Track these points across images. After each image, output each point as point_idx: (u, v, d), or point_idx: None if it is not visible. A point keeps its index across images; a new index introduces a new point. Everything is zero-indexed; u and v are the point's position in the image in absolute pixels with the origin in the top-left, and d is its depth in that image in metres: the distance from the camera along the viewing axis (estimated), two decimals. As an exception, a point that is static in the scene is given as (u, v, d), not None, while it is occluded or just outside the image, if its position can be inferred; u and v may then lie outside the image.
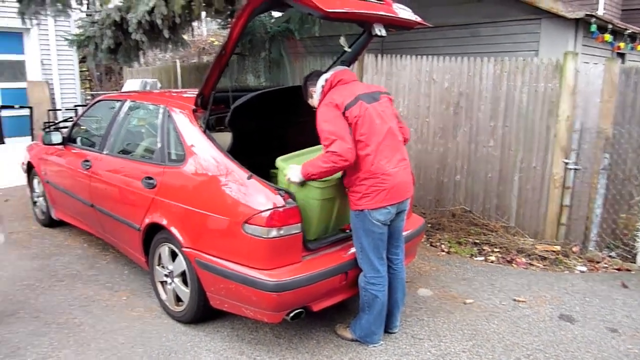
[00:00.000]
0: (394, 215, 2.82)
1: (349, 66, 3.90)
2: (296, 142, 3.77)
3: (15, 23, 9.66)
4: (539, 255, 4.44)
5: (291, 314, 2.78)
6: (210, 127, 3.23)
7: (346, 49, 3.34)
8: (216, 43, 15.60)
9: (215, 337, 3.10)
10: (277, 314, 2.75)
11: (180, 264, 3.12)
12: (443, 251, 4.66)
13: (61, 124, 9.85)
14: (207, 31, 17.26)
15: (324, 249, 2.96)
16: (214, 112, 3.25)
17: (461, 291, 3.79)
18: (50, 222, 5.01)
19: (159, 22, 5.10)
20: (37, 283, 3.83)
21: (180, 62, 12.15)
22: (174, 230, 3.08)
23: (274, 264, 2.70)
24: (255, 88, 3.40)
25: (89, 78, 16.01)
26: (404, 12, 3.10)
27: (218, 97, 3.18)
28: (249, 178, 2.80)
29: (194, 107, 3.32)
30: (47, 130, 5.25)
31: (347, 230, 3.07)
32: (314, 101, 2.99)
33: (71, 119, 10.04)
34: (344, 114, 2.68)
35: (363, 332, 2.96)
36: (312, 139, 3.91)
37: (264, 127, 3.41)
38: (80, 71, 12.45)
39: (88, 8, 8.14)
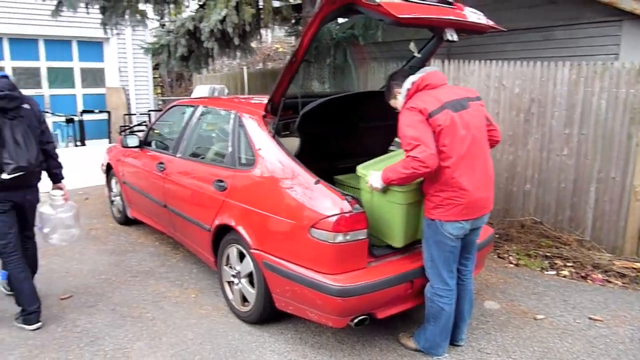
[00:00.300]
0: (468, 231, 2.72)
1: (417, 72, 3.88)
2: (361, 148, 3.79)
3: (97, 33, 10.37)
4: (618, 272, 4.17)
5: (355, 320, 2.78)
6: (278, 133, 3.30)
7: (416, 54, 3.32)
8: (281, 50, 15.93)
9: (279, 338, 3.15)
10: (342, 319, 2.76)
11: (248, 265, 3.20)
12: (511, 263, 4.48)
13: (135, 128, 10.44)
14: (272, 38, 17.67)
15: (389, 256, 2.95)
16: (282, 118, 3.32)
17: (531, 306, 3.64)
18: (126, 221, 5.31)
19: (230, 30, 5.30)
20: (113, 277, 4.07)
21: (246, 68, 12.49)
22: (242, 231, 3.17)
23: (339, 268, 2.72)
24: (323, 94, 3.44)
25: (160, 84, 16.84)
26: (476, 16, 3.03)
27: (286, 103, 3.24)
28: (316, 183, 2.83)
29: (263, 113, 3.41)
30: (126, 133, 5.57)
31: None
32: (397, 102, 2.86)
33: (144, 123, 10.61)
34: (427, 120, 2.56)
35: (428, 343, 2.91)
36: (377, 145, 3.94)
37: (330, 132, 3.45)
38: (153, 78, 13.10)
39: (162, 18, 8.57)
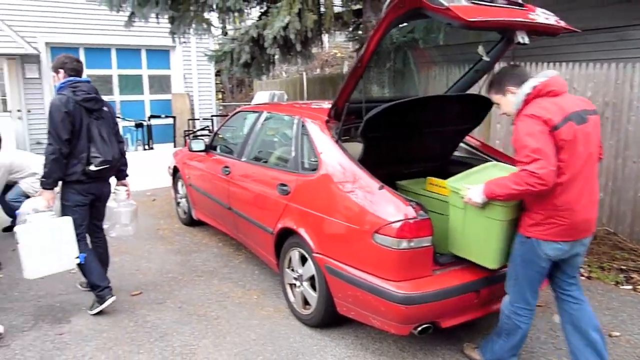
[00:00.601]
0: (565, 253, 2.48)
1: (482, 76, 3.78)
2: (424, 154, 3.74)
3: (164, 42, 10.87)
4: (703, 289, 3.87)
5: (419, 328, 2.74)
6: (341, 137, 3.32)
7: (485, 58, 3.23)
8: (339, 55, 16.01)
9: (340, 343, 3.16)
10: (405, 327, 2.73)
11: (310, 268, 3.23)
12: (582, 276, 4.25)
13: (198, 132, 10.81)
14: (330, 44, 17.79)
15: (454, 264, 2.88)
16: (345, 123, 3.33)
17: (605, 322, 3.43)
18: (191, 222, 5.51)
19: (292, 37, 5.38)
20: (180, 276, 4.23)
21: (305, 74, 12.65)
22: (305, 235, 3.20)
23: (403, 275, 2.69)
24: (387, 99, 3.43)
25: (221, 90, 17.36)
26: (548, 18, 2.92)
27: (349, 108, 3.25)
28: (380, 188, 2.82)
29: (326, 118, 3.44)
30: (192, 138, 5.79)
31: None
32: (507, 102, 2.58)
33: (207, 128, 10.98)
34: (551, 132, 2.31)
35: (494, 357, 2.81)
36: (440, 150, 3.87)
37: (393, 138, 3.42)
38: (215, 84, 13.52)
39: (225, 26, 8.84)
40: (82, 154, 3.40)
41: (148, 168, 7.90)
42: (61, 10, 10.19)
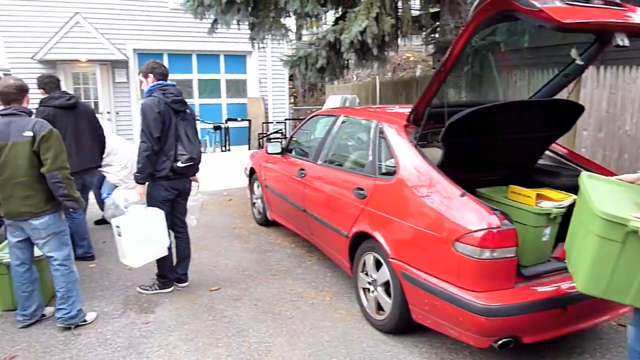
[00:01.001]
0: None
1: (571, 81, 3.60)
2: (506, 161, 3.61)
3: (241, 47, 11.28)
4: None
5: (499, 342, 2.64)
6: (422, 142, 3.28)
7: (578, 61, 3.07)
8: (412, 59, 15.82)
9: (413, 351, 3.11)
10: (484, 339, 2.64)
11: (385, 273, 3.21)
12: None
13: (272, 135, 11.09)
14: (402, 47, 17.62)
15: (540, 277, 2.75)
16: (424, 128, 3.29)
17: None
18: (265, 222, 5.66)
19: (369, 41, 5.40)
20: (255, 274, 4.35)
21: (377, 78, 12.60)
22: (381, 240, 3.19)
23: (484, 286, 2.60)
24: (470, 104, 3.34)
25: (294, 94, 17.70)
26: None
27: (429, 113, 3.21)
28: (462, 195, 2.75)
29: (405, 122, 3.41)
30: (269, 141, 5.96)
31: (564, 260, 2.79)
32: None
33: (280, 131, 11.23)
34: None
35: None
36: (523, 158, 3.72)
37: (475, 144, 3.33)
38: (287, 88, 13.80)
39: (300, 32, 9.01)
40: (170, 152, 3.66)
41: (225, 169, 8.22)
42: (148, 19, 10.86)
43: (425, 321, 2.96)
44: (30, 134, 3.06)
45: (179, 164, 3.68)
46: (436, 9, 7.14)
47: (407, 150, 3.25)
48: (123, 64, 10.83)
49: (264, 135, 11.26)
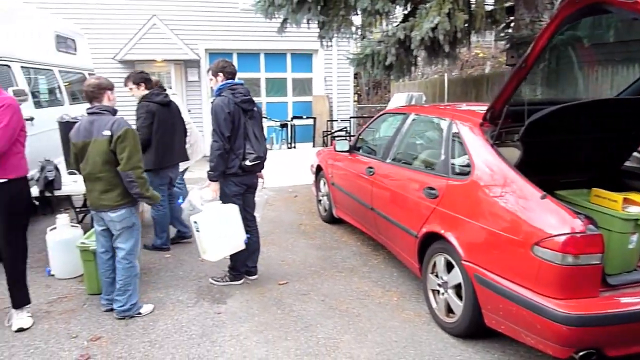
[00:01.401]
0: None
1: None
2: (589, 162, 3.43)
3: (308, 46, 11.41)
4: None
5: (580, 353, 2.50)
6: (497, 142, 3.17)
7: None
8: (481, 55, 15.32)
9: (485, 357, 3.02)
10: (564, 349, 2.51)
11: (456, 276, 3.14)
12: None
13: (336, 133, 11.13)
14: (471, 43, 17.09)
15: (627, 287, 2.58)
16: (502, 126, 3.17)
17: None
18: (331, 219, 5.69)
19: (440, 38, 5.29)
20: (321, 270, 4.39)
21: (446, 75, 12.32)
22: (453, 241, 3.12)
23: (566, 293, 2.48)
24: (551, 102, 3.18)
25: (357, 92, 17.67)
26: None
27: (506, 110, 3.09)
28: (542, 197, 2.63)
29: (480, 120, 3.31)
30: (337, 139, 5.98)
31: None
32: None
33: (345, 129, 11.25)
34: None
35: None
36: (608, 158, 3.50)
37: (555, 143, 3.17)
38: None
39: (366, 30, 8.97)
40: (239, 150, 3.78)
41: (290, 166, 8.35)
42: (219, 20, 11.23)
43: (499, 327, 2.86)
44: (109, 133, 3.24)
45: (247, 162, 3.79)
46: (510, 3, 6.87)
47: (483, 149, 3.15)
48: (195, 64, 11.26)
49: (329, 133, 11.33)
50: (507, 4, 6.74)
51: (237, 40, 11.44)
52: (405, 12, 7.64)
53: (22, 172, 3.30)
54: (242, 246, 3.84)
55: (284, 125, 10.97)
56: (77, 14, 9.90)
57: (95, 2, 10.56)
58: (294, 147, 10.93)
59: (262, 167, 4.07)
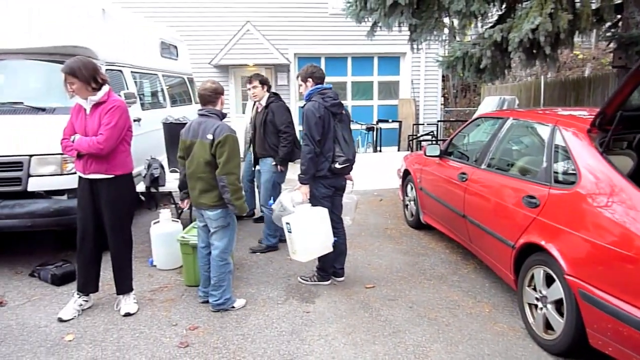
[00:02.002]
0: None
1: None
2: None
3: (396, 49, 11.34)
4: None
5: None
6: (606, 149, 2.95)
7: None
8: (580, 56, 14.34)
9: (588, 379, 2.82)
10: (685, 379, 2.29)
11: (557, 290, 2.96)
12: None
13: (422, 137, 10.93)
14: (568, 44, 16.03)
15: None
16: (613, 133, 2.96)
17: None
18: (417, 225, 5.60)
19: (541, 39, 5.01)
20: (409, 277, 4.33)
21: (542, 78, 11.66)
22: (555, 254, 2.94)
23: (689, 317, 2.25)
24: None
25: (444, 96, 17.23)
26: None
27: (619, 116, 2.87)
28: (662, 211, 2.41)
29: (587, 126, 3.10)
30: (429, 143, 5.89)
31: None
32: None
33: (432, 133, 11.02)
34: None
35: None
36: None
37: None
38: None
39: (459, 32, 8.72)
40: (329, 153, 3.86)
41: (375, 169, 8.33)
42: (309, 25, 11.49)
43: (606, 348, 2.66)
44: (211, 137, 3.41)
45: (337, 165, 3.86)
46: (619, 1, 6.37)
47: (592, 157, 2.95)
48: (285, 68, 11.60)
49: (414, 137, 11.16)
50: (616, 2, 6.25)
51: (325, 44, 11.64)
52: (500, 12, 7.35)
53: (127, 169, 3.61)
54: (331, 248, 3.90)
55: (370, 129, 10.96)
56: (177, 22, 10.59)
57: (193, 10, 11.24)
58: (380, 150, 10.88)
59: (351, 170, 4.10)
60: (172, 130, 5.03)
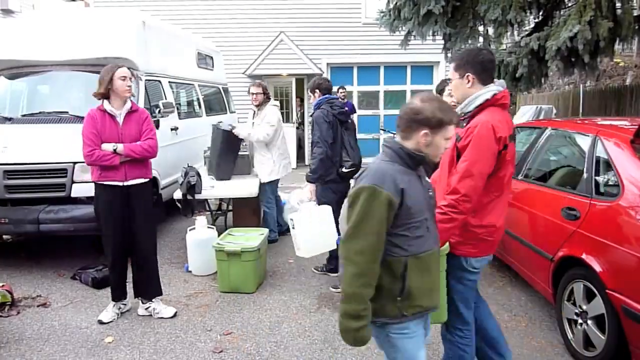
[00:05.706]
0: None
1: None
2: None
3: (429, 58, 11.27)
4: None
5: None
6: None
7: None
8: (622, 64, 13.90)
9: (631, 399, 2.71)
10: None
11: (599, 306, 2.87)
12: None
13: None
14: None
15: None
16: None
17: None
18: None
19: (580, 47, 4.91)
20: (442, 288, 4.27)
21: (581, 87, 11.38)
22: (596, 268, 2.86)
23: None
24: None
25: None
26: None
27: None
28: None
29: (631, 137, 3.01)
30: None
31: None
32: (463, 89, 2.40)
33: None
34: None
35: None
36: None
37: None
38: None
39: (493, 41, 8.61)
40: (336, 158, 4.16)
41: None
42: (342, 35, 11.56)
43: (651, 367, 2.56)
44: None
45: (343, 169, 4.15)
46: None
47: (635, 168, 2.86)
48: (317, 77, 11.69)
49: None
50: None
51: (358, 54, 11.67)
52: (537, 20, 7.22)
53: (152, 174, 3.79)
54: (334, 245, 3.86)
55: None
56: (213, 33, 10.83)
57: (229, 21, 11.49)
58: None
59: (357, 174, 4.19)
60: (222, 135, 5.14)
